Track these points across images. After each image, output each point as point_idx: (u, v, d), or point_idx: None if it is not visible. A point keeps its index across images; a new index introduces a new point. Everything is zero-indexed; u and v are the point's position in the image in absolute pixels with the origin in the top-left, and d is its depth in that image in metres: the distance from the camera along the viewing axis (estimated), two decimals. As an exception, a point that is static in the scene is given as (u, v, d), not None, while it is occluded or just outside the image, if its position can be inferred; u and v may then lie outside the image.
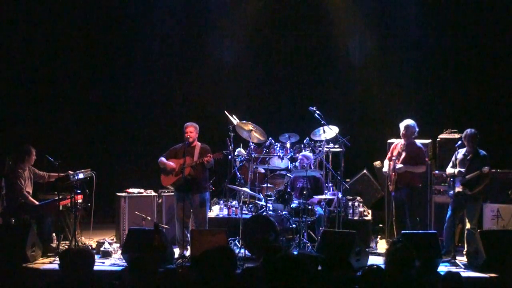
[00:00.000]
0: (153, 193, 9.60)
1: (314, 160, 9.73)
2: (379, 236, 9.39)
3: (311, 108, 9.49)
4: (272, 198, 9.10)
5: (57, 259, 7.67)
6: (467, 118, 10.39)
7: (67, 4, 11.48)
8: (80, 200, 8.97)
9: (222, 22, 11.73)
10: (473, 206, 8.45)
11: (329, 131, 9.58)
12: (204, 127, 9.16)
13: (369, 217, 9.57)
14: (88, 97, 11.74)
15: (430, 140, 9.60)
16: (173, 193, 9.01)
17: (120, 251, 8.63)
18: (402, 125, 8.74)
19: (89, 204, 8.98)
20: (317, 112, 9.43)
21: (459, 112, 10.93)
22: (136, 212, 9.19)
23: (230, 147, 9.70)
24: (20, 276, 7.78)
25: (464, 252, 8.48)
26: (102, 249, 8.67)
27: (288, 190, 9.15)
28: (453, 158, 8.51)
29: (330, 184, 9.91)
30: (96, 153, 11.38)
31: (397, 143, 8.91)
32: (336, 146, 9.77)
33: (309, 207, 8.82)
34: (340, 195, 9.15)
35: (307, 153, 9.57)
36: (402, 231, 8.26)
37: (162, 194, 9.57)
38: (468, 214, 8.48)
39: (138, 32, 11.77)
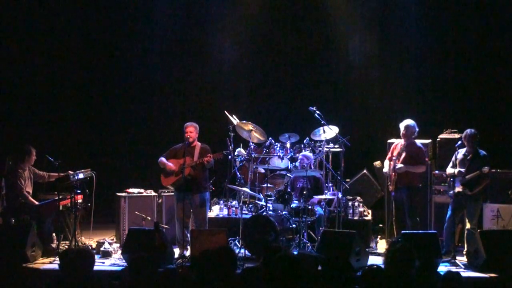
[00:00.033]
0: (153, 193, 9.59)
1: (314, 160, 9.73)
2: (379, 236, 9.39)
3: (311, 108, 9.49)
4: (272, 198, 9.10)
5: (57, 259, 7.67)
6: (467, 118, 10.39)
7: (67, 4, 11.48)
8: (80, 200, 8.97)
9: (222, 22, 11.73)
10: (473, 206, 8.45)
11: (329, 131, 9.58)
12: (204, 127, 9.16)
13: (369, 217, 9.57)
14: (88, 97, 11.74)
15: (430, 140, 9.60)
16: (173, 193, 9.00)
17: (120, 251, 8.63)
18: (402, 125, 8.74)
19: (89, 204, 8.97)
20: (317, 112, 9.43)
21: (459, 112, 10.93)
22: (136, 212, 9.19)
23: (230, 147, 9.70)
24: (20, 276, 7.77)
25: (464, 252, 8.48)
26: (102, 249, 8.67)
27: (288, 190, 9.15)
28: (453, 158, 8.52)
29: (330, 184, 9.91)
30: (96, 153, 11.38)
31: (397, 143, 8.91)
32: (336, 146, 9.77)
33: (309, 207, 8.82)
34: (340, 195, 9.14)
35: (307, 153, 9.57)
36: (402, 231, 8.26)
37: (162, 194, 9.57)
38: (468, 214, 8.48)
39: (138, 32, 11.78)
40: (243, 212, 9.36)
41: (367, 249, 8.54)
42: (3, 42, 11.40)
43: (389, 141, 9.43)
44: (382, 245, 9.08)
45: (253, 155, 9.67)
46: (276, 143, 9.83)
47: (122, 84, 11.88)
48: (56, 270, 7.18)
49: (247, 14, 11.59)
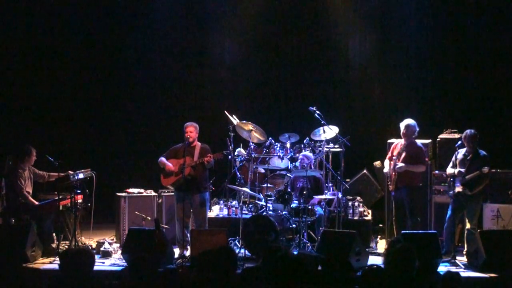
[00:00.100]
0: (153, 193, 9.59)
1: (314, 160, 9.73)
2: (379, 236, 9.39)
3: (311, 108, 9.49)
4: (272, 198, 9.10)
5: (57, 259, 7.67)
6: (467, 118, 10.39)
7: (67, 3, 11.48)
8: (80, 200, 8.97)
9: (222, 22, 11.74)
10: (473, 206, 8.45)
11: (329, 131, 9.58)
12: (204, 127, 9.16)
13: (369, 217, 9.57)
14: (88, 97, 11.73)
15: (430, 140, 9.59)
16: (173, 193, 9.00)
17: (120, 251, 8.62)
18: (402, 125, 8.74)
19: (89, 204, 8.97)
20: (317, 112, 9.44)
21: (459, 112, 10.93)
22: (136, 212, 9.19)
23: (230, 147, 9.70)
24: (20, 276, 7.76)
25: (464, 252, 8.48)
26: (102, 249, 8.67)
27: (288, 190, 9.16)
28: (453, 158, 8.52)
29: (330, 184, 9.91)
30: (96, 153, 11.38)
31: (397, 143, 8.91)
32: (336, 146, 9.77)
33: (309, 207, 8.82)
34: (340, 195, 9.15)
35: (307, 153, 9.57)
36: (402, 231, 8.25)
37: (162, 194, 9.57)
38: (468, 214, 8.48)
39: (138, 32, 11.77)
40: (243, 212, 9.37)
41: (367, 249, 8.54)
42: (3, 42, 11.39)
43: (389, 141, 9.43)
44: (382, 245, 9.08)
45: (253, 155, 9.67)
46: (276, 143, 9.83)
47: (122, 84, 11.88)
48: (56, 270, 7.15)
49: (247, 14, 11.59)
